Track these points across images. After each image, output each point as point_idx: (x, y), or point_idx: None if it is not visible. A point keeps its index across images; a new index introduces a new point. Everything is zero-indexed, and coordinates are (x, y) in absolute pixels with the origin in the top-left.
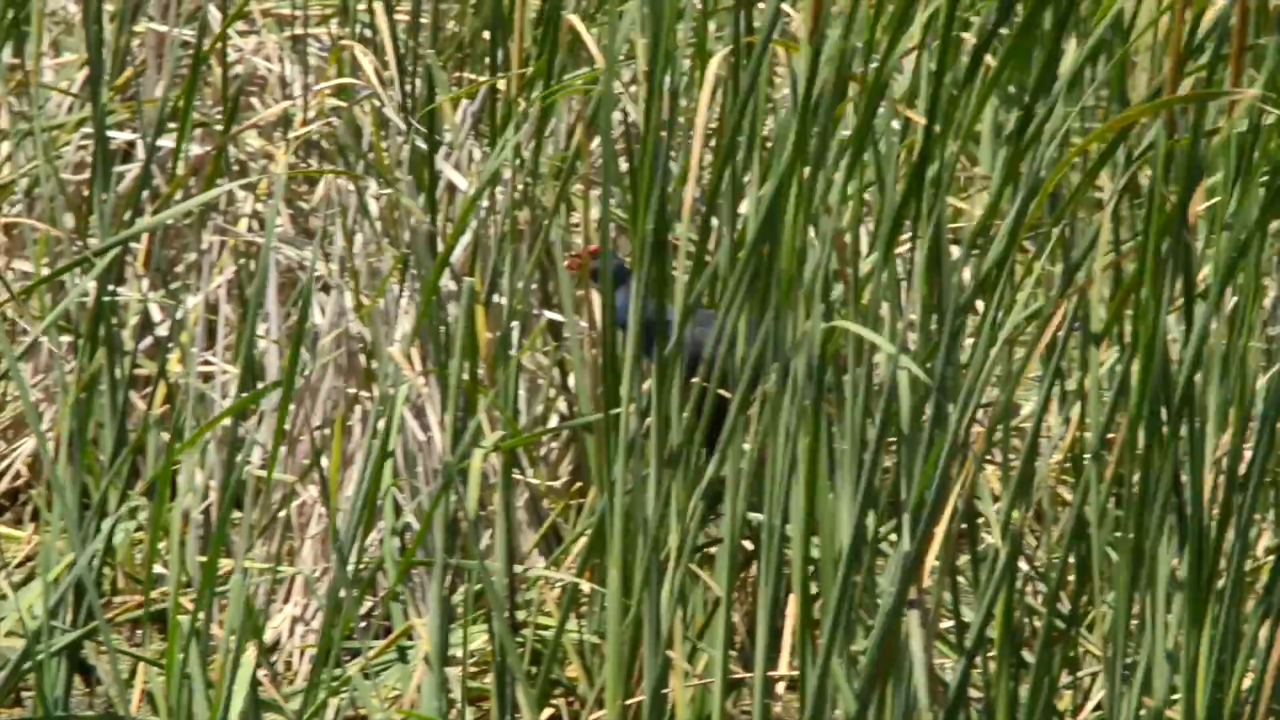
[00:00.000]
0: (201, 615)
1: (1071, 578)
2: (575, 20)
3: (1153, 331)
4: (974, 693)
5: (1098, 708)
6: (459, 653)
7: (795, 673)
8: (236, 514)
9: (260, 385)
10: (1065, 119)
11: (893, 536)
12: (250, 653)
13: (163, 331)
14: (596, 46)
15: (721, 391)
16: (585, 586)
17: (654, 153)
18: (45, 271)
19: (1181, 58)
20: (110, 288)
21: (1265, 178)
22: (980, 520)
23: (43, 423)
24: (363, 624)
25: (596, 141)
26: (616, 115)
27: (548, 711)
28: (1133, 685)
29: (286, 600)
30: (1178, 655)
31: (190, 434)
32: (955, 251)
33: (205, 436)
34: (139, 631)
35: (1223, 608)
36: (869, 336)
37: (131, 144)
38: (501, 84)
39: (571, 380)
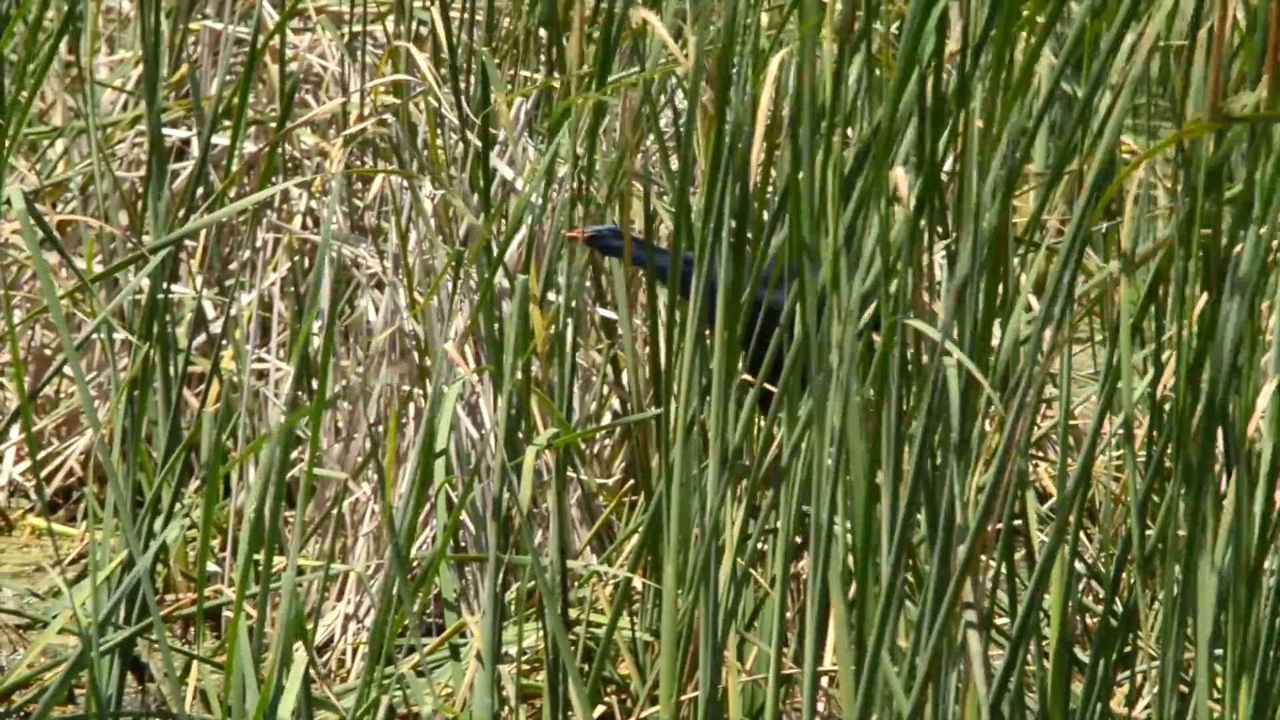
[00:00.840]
0: (254, 612)
1: (1125, 575)
2: (650, 16)
3: (1208, 328)
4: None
5: (1149, 705)
6: (512, 650)
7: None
8: (289, 512)
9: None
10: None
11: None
12: (302, 650)
13: (217, 328)
14: (666, 36)
15: (768, 386)
16: (637, 583)
17: (724, 144)
18: (98, 269)
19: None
20: (165, 285)
21: None
22: (1034, 517)
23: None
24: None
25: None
26: (667, 114)
27: (600, 709)
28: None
29: (339, 598)
30: (1223, 652)
31: (243, 431)
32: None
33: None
34: (191, 629)
35: (1268, 604)
36: (922, 328)
37: (186, 141)
38: (556, 83)
39: (625, 377)
